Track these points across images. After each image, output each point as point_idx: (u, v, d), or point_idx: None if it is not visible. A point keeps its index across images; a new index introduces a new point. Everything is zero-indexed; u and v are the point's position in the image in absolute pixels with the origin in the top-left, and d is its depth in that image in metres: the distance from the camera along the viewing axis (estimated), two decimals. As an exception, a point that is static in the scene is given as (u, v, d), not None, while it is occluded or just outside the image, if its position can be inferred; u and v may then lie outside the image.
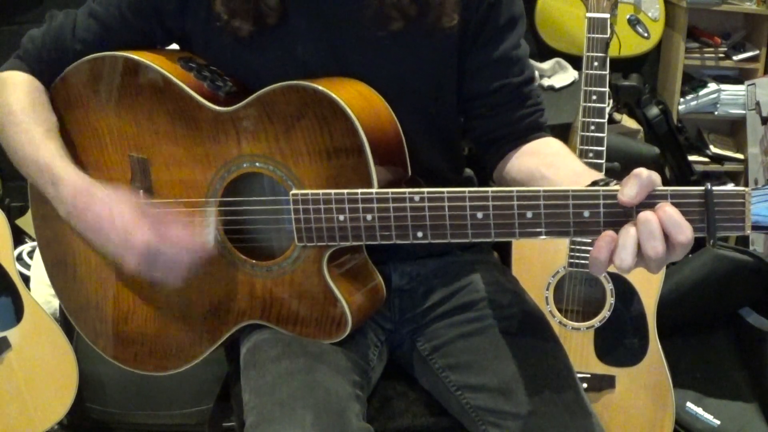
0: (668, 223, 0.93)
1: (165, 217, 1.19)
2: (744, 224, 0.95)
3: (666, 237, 0.94)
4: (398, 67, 1.23)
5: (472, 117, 1.32)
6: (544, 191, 0.99)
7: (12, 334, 2.10)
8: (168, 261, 1.16)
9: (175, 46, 1.33)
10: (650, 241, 0.94)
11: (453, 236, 1.05)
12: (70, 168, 1.21)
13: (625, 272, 0.96)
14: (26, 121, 1.24)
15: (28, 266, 2.50)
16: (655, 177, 0.96)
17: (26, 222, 2.66)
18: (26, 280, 2.35)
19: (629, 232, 0.95)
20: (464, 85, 1.30)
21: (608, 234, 0.96)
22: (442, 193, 1.04)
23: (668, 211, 0.93)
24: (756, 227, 0.95)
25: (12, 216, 2.59)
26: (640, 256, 0.95)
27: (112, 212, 1.16)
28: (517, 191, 1.00)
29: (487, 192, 1.02)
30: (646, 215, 0.94)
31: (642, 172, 0.95)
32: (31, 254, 2.59)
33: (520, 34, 1.29)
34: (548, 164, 1.21)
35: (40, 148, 1.22)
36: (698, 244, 2.58)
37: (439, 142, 1.32)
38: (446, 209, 1.04)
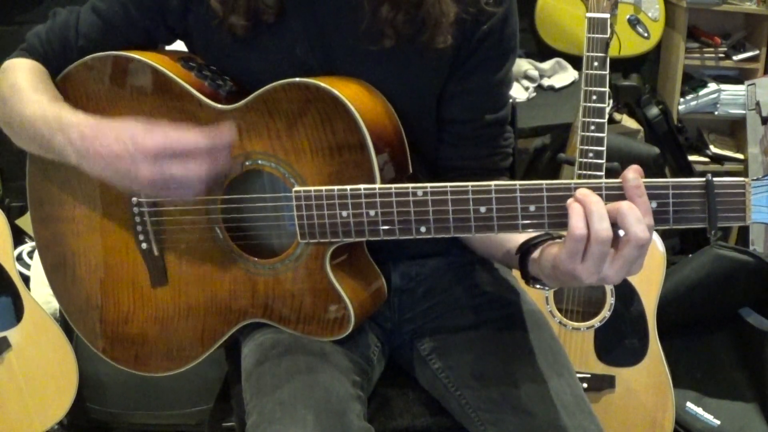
0: (629, 217, 0.94)
1: (175, 123, 1.11)
2: (745, 214, 0.95)
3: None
4: (389, 81, 1.22)
5: (438, 139, 1.31)
6: (547, 185, 1.00)
7: (12, 334, 2.10)
8: (182, 166, 1.08)
9: (178, 44, 1.33)
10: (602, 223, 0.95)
11: (456, 230, 1.05)
12: (80, 113, 1.17)
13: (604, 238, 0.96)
14: (33, 91, 1.22)
15: (28, 266, 2.50)
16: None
17: (26, 222, 2.66)
18: (26, 280, 2.35)
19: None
20: (439, 107, 1.28)
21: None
22: (445, 187, 1.04)
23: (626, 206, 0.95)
24: (756, 218, 0.95)
25: (12, 216, 2.60)
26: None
27: (119, 130, 1.10)
28: (520, 185, 1.01)
29: (490, 186, 1.02)
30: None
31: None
32: (31, 254, 2.59)
33: (509, 68, 1.27)
34: None
35: (46, 104, 1.19)
36: (699, 244, 2.59)
37: (424, 153, 1.31)
38: (449, 203, 1.04)
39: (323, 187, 1.11)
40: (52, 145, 1.16)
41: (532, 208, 1.00)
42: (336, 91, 1.10)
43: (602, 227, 0.94)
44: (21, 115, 1.20)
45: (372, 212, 1.09)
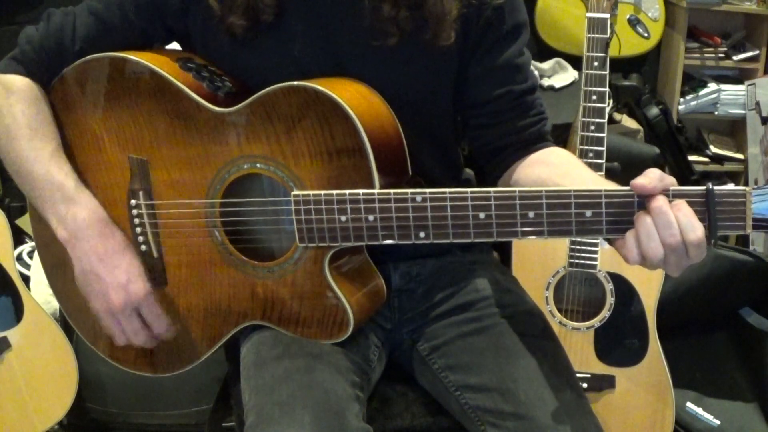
0: (681, 220, 0.96)
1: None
2: (745, 223, 0.95)
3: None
4: (394, 77, 1.23)
5: (475, 126, 1.32)
6: (546, 191, 1.00)
7: (12, 334, 2.10)
8: (138, 327, 1.25)
9: (175, 46, 1.33)
10: (668, 230, 0.96)
11: (455, 236, 1.05)
12: (86, 191, 1.24)
13: (655, 264, 0.99)
14: (33, 137, 1.23)
15: (28, 266, 2.50)
16: (670, 178, 0.99)
17: (26, 222, 2.64)
18: (26, 280, 2.34)
19: (646, 221, 0.97)
20: (466, 93, 1.29)
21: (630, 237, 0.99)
22: (444, 193, 1.04)
23: (683, 209, 0.96)
24: (757, 226, 0.95)
25: (12, 216, 2.59)
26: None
27: (126, 251, 1.23)
28: (520, 191, 1.01)
29: (489, 192, 1.02)
30: (659, 205, 0.96)
31: (656, 170, 0.99)
32: (31, 254, 2.59)
33: (523, 42, 1.29)
34: (562, 174, 1.21)
35: (52, 166, 1.22)
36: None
37: (434, 148, 1.32)
38: (448, 209, 1.04)
39: (322, 192, 1.11)
40: (45, 204, 1.23)
41: (531, 214, 1.01)
42: (335, 95, 1.10)
43: (651, 245, 0.98)
44: (19, 165, 1.24)
45: (371, 217, 1.09)
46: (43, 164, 1.22)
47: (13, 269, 2.12)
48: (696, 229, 0.96)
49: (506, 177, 1.30)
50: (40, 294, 2.28)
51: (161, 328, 1.26)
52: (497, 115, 1.29)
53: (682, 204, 0.97)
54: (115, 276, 1.20)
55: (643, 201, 0.98)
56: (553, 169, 1.24)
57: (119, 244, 1.22)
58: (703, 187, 0.96)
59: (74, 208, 1.21)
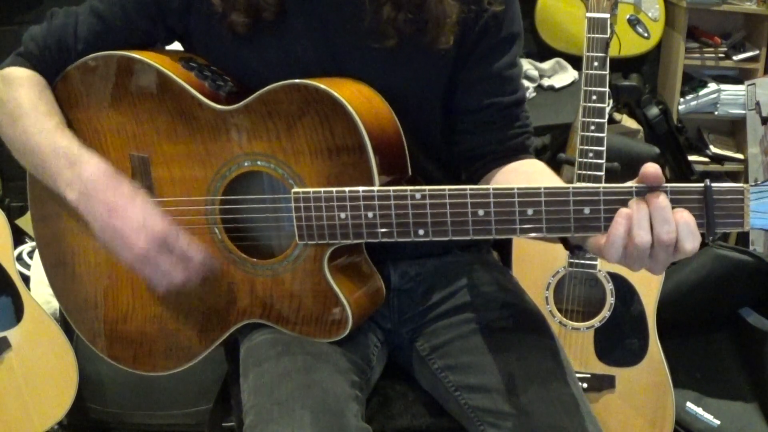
0: (682, 228, 0.95)
1: (180, 225, 1.20)
2: (743, 220, 0.95)
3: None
4: (392, 79, 1.23)
5: (459, 131, 1.32)
6: (545, 189, 1.00)
7: (12, 334, 2.10)
8: (173, 261, 1.16)
9: (176, 46, 1.33)
10: (664, 226, 0.95)
11: (454, 234, 1.05)
12: (90, 151, 1.21)
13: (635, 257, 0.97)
14: (37, 114, 1.23)
15: (28, 266, 2.51)
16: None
17: (26, 222, 2.66)
18: (26, 280, 2.35)
19: (642, 208, 0.96)
20: (455, 98, 1.29)
21: (623, 211, 0.97)
22: (444, 190, 1.04)
23: (686, 217, 0.95)
24: (755, 224, 0.95)
25: (12, 216, 2.60)
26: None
27: (136, 196, 1.17)
28: (518, 189, 1.01)
29: (488, 189, 1.02)
30: (661, 201, 0.95)
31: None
32: (31, 254, 2.59)
33: (516, 53, 1.29)
34: (527, 181, 1.21)
35: (56, 135, 1.22)
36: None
37: (432, 150, 1.32)
38: (447, 207, 1.04)
39: (322, 189, 1.11)
40: (51, 175, 1.21)
41: (530, 211, 1.01)
42: (335, 93, 1.10)
43: (640, 233, 0.96)
44: (25, 142, 1.23)
45: (370, 214, 1.09)
46: (47, 134, 1.22)
47: (13, 269, 2.12)
48: (695, 241, 0.95)
49: (482, 184, 1.30)
50: (40, 294, 2.28)
51: (197, 256, 1.18)
52: (482, 123, 1.29)
53: (684, 212, 0.96)
54: (131, 221, 1.15)
55: (642, 194, 0.98)
56: (522, 177, 1.25)
57: (128, 192, 1.18)
58: (701, 184, 0.96)
59: (79, 168, 1.19)
